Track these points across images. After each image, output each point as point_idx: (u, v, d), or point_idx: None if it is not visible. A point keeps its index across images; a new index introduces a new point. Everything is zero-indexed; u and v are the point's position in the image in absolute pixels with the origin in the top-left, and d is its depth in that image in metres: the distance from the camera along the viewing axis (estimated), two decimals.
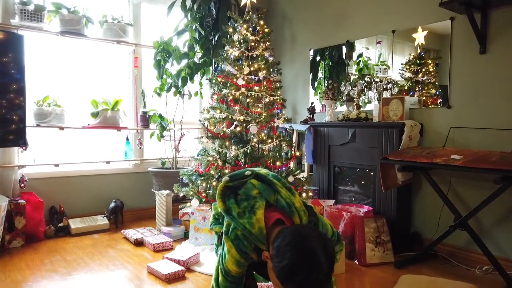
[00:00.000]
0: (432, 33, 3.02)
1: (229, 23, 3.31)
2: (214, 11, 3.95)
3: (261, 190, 1.39)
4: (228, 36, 3.23)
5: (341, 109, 3.67)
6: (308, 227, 1.32)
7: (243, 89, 3.01)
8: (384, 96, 3.19)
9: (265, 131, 3.04)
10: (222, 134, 3.01)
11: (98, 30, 3.66)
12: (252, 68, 3.05)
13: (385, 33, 3.34)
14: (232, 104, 3.04)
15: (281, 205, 1.36)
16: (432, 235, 2.88)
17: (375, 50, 3.49)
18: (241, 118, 2.94)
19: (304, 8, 4.11)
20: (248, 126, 2.94)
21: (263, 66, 3.08)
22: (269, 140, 3.02)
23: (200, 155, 3.15)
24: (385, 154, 2.92)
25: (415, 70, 3.16)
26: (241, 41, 3.11)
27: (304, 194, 3.15)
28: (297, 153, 3.25)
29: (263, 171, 1.48)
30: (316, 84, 4.05)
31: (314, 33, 4.02)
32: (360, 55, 3.63)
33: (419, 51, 3.11)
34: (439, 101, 2.98)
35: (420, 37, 3.08)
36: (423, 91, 3.10)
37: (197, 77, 3.99)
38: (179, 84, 3.82)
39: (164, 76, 3.83)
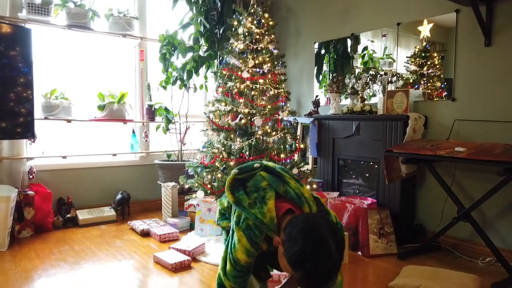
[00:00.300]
0: (438, 26, 3.02)
1: (234, 16, 3.32)
2: (219, 4, 3.97)
3: (271, 181, 1.40)
4: (233, 29, 3.24)
5: (346, 102, 3.68)
6: (319, 216, 1.34)
7: (248, 82, 3.03)
8: (389, 89, 3.19)
9: (269, 124, 3.06)
10: (227, 126, 3.04)
11: (104, 23, 3.70)
12: (257, 61, 3.06)
13: (390, 26, 3.34)
14: (237, 97, 3.06)
15: (291, 196, 1.38)
16: (435, 227, 2.89)
17: (381, 43, 3.49)
18: (246, 110, 2.96)
19: (309, 0, 4.10)
20: (252, 119, 2.96)
21: (267, 59, 3.09)
22: (274, 133, 3.04)
23: (205, 147, 3.18)
24: (389, 147, 2.94)
25: (420, 63, 3.16)
26: (246, 34, 3.12)
27: (308, 187, 3.18)
28: (302, 146, 3.27)
29: (270, 164, 1.50)
30: (320, 77, 4.06)
31: (319, 26, 4.02)
32: (365, 48, 3.62)
33: (424, 44, 3.10)
34: (444, 94, 2.98)
35: (425, 29, 3.08)
36: (428, 84, 3.10)
37: (202, 70, 4.02)
38: (184, 77, 3.84)
39: (170, 69, 3.86)
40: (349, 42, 3.75)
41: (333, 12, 3.85)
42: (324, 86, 4.00)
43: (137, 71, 4.00)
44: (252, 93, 3.06)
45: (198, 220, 3.08)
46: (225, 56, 3.20)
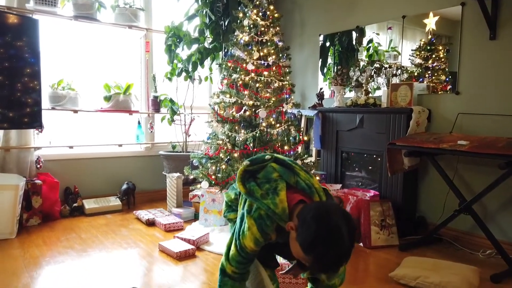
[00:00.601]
0: (444, 19, 3.01)
1: (239, 8, 3.32)
2: None
3: (281, 172, 1.42)
4: (238, 21, 3.25)
5: (350, 95, 3.69)
6: (332, 203, 1.37)
7: (253, 74, 3.05)
8: (393, 82, 3.20)
9: (273, 116, 3.09)
10: (231, 118, 3.06)
11: (110, 14, 3.72)
12: (261, 53, 3.08)
13: (395, 18, 3.34)
14: (241, 89, 3.08)
15: (302, 187, 1.40)
16: (437, 220, 2.92)
17: (386, 35, 3.49)
18: (250, 102, 2.99)
19: None
20: (257, 111, 2.99)
21: (272, 51, 3.11)
22: (278, 125, 3.07)
23: (210, 138, 3.22)
24: (392, 140, 2.95)
25: (425, 56, 3.16)
26: (251, 26, 3.13)
27: None
28: (305, 138, 3.29)
29: (280, 156, 1.52)
30: (325, 69, 4.07)
31: (324, 18, 4.01)
32: (370, 41, 3.62)
33: (430, 37, 3.10)
34: (448, 87, 2.99)
35: (431, 22, 3.07)
36: (433, 78, 3.10)
37: (207, 62, 4.04)
38: (190, 69, 3.87)
39: (175, 61, 3.88)
40: (354, 34, 3.75)
41: (339, 4, 3.84)
42: (328, 78, 4.01)
43: (143, 63, 4.03)
44: (257, 85, 3.08)
45: (202, 211, 3.13)
46: (230, 48, 3.21)
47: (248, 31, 3.13)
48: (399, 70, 3.24)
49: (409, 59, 3.27)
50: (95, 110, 3.63)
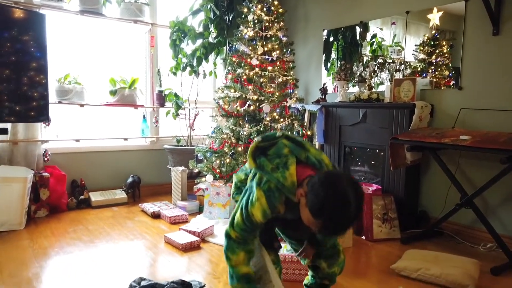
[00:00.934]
0: (448, 14, 3.02)
1: (243, 3, 3.35)
2: None
3: (292, 148, 1.44)
4: (243, 16, 3.28)
5: (353, 90, 3.71)
6: (341, 172, 1.39)
7: (257, 69, 3.08)
8: (397, 77, 3.22)
9: (277, 111, 3.12)
10: (236, 112, 3.10)
11: (115, 9, 3.75)
12: (266, 48, 3.11)
13: (399, 14, 3.35)
14: (246, 83, 3.12)
15: (312, 162, 1.42)
16: (438, 214, 2.95)
17: (390, 30, 3.50)
18: (255, 97, 3.02)
19: None
20: (261, 106, 3.02)
21: (276, 46, 3.13)
22: (281, 119, 3.10)
23: (214, 133, 3.26)
24: (395, 135, 2.98)
25: (428, 51, 3.18)
26: (256, 21, 3.16)
27: None
28: (309, 133, 3.33)
29: (291, 134, 1.56)
30: (328, 64, 4.08)
31: (328, 13, 4.03)
32: (374, 36, 3.64)
33: (433, 32, 3.11)
34: (452, 82, 3.01)
35: (435, 18, 3.08)
36: (436, 73, 3.12)
37: (211, 56, 4.06)
38: (194, 64, 3.90)
39: (180, 56, 3.91)
40: (358, 29, 3.77)
41: None
42: (332, 73, 4.03)
43: (148, 57, 4.06)
44: (261, 80, 3.11)
45: (206, 204, 3.17)
46: (235, 43, 3.24)
47: (252, 26, 3.16)
48: (403, 65, 3.26)
49: (412, 54, 3.29)
50: (101, 104, 3.68)
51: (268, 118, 3.02)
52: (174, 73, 3.96)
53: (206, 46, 3.91)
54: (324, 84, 3.95)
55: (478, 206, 2.57)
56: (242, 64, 3.13)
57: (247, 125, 3.03)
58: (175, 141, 4.10)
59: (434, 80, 3.11)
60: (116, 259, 2.35)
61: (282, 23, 3.22)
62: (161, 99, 4.01)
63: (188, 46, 3.95)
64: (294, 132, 3.16)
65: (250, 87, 3.05)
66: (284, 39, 3.20)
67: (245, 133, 3.02)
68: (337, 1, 3.91)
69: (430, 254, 2.37)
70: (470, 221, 2.85)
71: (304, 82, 4.29)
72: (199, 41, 3.94)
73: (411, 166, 3.00)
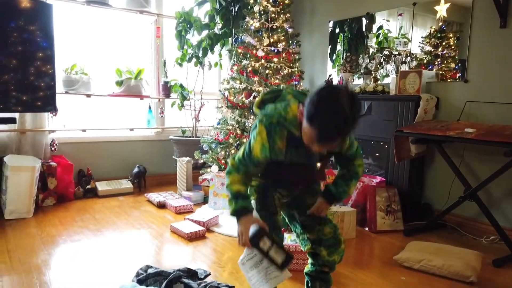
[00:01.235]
0: (455, 5, 3.00)
1: None
2: None
3: (295, 94, 1.49)
4: (249, 7, 3.27)
5: (359, 82, 3.70)
6: (341, 86, 1.39)
7: (263, 61, 3.09)
8: (402, 69, 3.22)
9: None
10: (241, 104, 3.11)
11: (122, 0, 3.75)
12: (271, 40, 3.11)
13: (406, 5, 3.33)
14: (251, 75, 3.12)
15: None
16: (442, 206, 2.97)
17: (396, 22, 3.48)
18: (260, 89, 3.03)
19: None
20: None
21: (282, 37, 3.13)
22: None
23: (220, 124, 3.28)
24: (400, 127, 2.99)
25: (435, 43, 3.16)
26: (262, 12, 3.15)
27: (318, 164, 3.26)
28: None
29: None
30: (334, 56, 4.08)
31: (334, 4, 4.00)
32: (380, 28, 3.62)
33: (440, 24, 3.09)
34: (457, 75, 3.00)
35: (442, 9, 3.06)
36: (442, 65, 3.11)
37: (217, 48, 4.06)
38: (200, 55, 3.90)
39: (185, 47, 3.92)
40: (364, 21, 3.75)
41: None
42: (337, 65, 4.02)
43: (154, 48, 4.07)
44: (267, 71, 3.11)
45: (211, 194, 3.21)
46: (241, 34, 3.24)
47: (258, 17, 3.16)
48: (408, 58, 3.25)
49: (419, 46, 3.27)
50: (107, 95, 3.71)
51: None
52: (180, 64, 3.97)
53: (211, 37, 3.91)
54: (330, 76, 3.95)
55: (482, 199, 2.59)
56: (248, 56, 3.14)
57: (252, 117, 3.05)
58: (181, 132, 4.12)
59: (440, 72, 3.11)
60: (123, 248, 2.40)
61: (288, 15, 3.21)
62: (167, 90, 4.03)
63: (194, 37, 3.95)
64: None
65: (256, 78, 3.06)
66: (290, 30, 3.19)
67: (250, 124, 3.04)
68: None
69: (432, 245, 2.39)
70: (473, 214, 2.87)
71: (309, 74, 4.28)
72: (205, 32, 3.94)
73: (415, 158, 3.01)
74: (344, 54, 3.92)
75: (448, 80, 3.05)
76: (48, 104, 3.09)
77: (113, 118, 3.89)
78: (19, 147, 3.29)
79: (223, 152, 3.15)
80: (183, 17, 3.84)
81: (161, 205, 3.29)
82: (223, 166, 3.10)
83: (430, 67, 3.17)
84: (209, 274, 2.00)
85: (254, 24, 3.15)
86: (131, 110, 3.99)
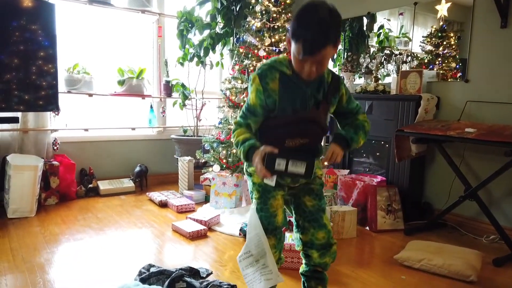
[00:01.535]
0: (456, 5, 3.01)
1: None
2: None
3: None
4: (250, 7, 3.28)
5: (360, 81, 3.71)
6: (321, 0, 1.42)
7: (264, 60, 3.09)
8: (403, 69, 3.22)
9: None
10: (242, 103, 3.12)
11: None
12: (273, 40, 3.11)
13: (407, 5, 3.33)
14: None
15: None
16: (442, 206, 2.98)
17: (397, 21, 3.49)
18: None
19: None
20: None
21: (284, 37, 3.14)
22: None
23: (221, 123, 3.29)
24: (400, 127, 3.00)
25: (436, 43, 3.17)
26: (263, 12, 3.16)
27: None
28: None
29: None
30: (335, 56, 4.08)
31: (335, 4, 3.97)
32: (381, 27, 3.63)
33: (441, 23, 3.10)
34: (458, 75, 3.00)
35: (443, 9, 3.07)
36: (443, 65, 3.12)
37: (218, 47, 4.07)
38: (201, 54, 3.92)
39: (187, 46, 3.93)
40: (365, 20, 3.75)
41: None
42: (338, 65, 4.03)
43: (155, 47, 4.09)
44: None
45: (213, 193, 3.22)
46: (242, 34, 3.25)
47: (260, 17, 3.16)
48: (409, 57, 3.26)
49: (419, 45, 3.28)
50: (109, 94, 3.72)
51: None
52: (181, 64, 3.98)
53: (213, 37, 3.92)
54: None
55: (482, 199, 2.60)
56: (249, 55, 3.15)
57: None
58: (182, 131, 4.14)
59: (441, 72, 3.11)
60: (125, 246, 2.42)
61: (289, 14, 3.22)
62: (168, 89, 4.04)
63: (196, 37, 3.96)
64: None
65: None
66: None
67: None
68: None
69: (433, 245, 2.40)
70: (473, 213, 2.88)
71: None
72: (206, 32, 3.95)
73: (416, 158, 3.02)
74: (345, 54, 3.92)
75: (449, 80, 3.06)
76: (50, 103, 3.10)
77: (115, 118, 3.91)
78: (21, 146, 3.31)
79: (224, 152, 3.16)
80: (185, 17, 3.85)
81: (163, 204, 3.31)
82: (224, 166, 3.11)
83: (431, 66, 3.18)
84: (211, 273, 2.02)
85: (256, 23, 3.16)
86: (133, 110, 4.01)
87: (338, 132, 1.56)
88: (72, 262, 2.16)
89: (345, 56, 3.88)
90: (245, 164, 1.63)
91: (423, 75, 3.02)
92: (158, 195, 3.44)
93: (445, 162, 2.83)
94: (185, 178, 3.64)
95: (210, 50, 3.94)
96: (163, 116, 4.13)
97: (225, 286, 1.81)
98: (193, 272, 1.91)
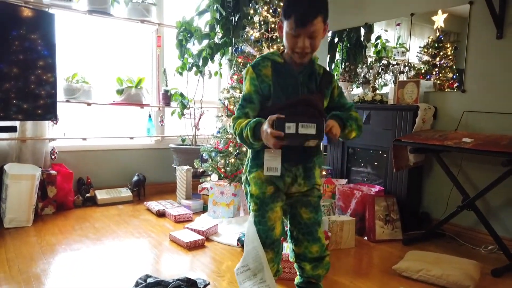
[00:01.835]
0: (453, 16, 3.04)
1: (250, 4, 3.38)
2: None
3: None
4: (249, 17, 3.31)
5: (357, 91, 3.74)
6: None
7: None
8: (400, 79, 3.25)
9: None
10: None
11: (123, 9, 3.80)
12: (271, 50, 3.14)
13: (404, 15, 3.37)
14: None
15: None
16: (440, 216, 2.98)
17: (394, 32, 3.52)
18: None
19: None
20: None
21: (282, 47, 3.16)
22: None
23: (219, 132, 3.29)
24: (398, 136, 3.01)
25: (433, 53, 3.20)
26: (262, 22, 3.19)
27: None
28: None
29: None
30: (333, 65, 4.11)
31: (333, 15, 4.01)
32: (379, 37, 3.66)
33: (438, 34, 3.13)
34: (455, 85, 3.03)
35: (439, 20, 3.11)
36: (440, 75, 3.14)
37: (217, 57, 4.10)
38: (200, 64, 3.93)
39: (186, 56, 3.95)
40: (362, 31, 3.79)
41: (348, 1, 3.88)
42: (336, 74, 4.05)
43: (154, 57, 4.11)
44: None
45: (211, 203, 3.21)
46: (241, 44, 3.28)
47: (258, 27, 3.19)
48: (406, 67, 3.29)
49: (416, 56, 3.31)
50: (107, 103, 3.73)
51: None
52: (180, 73, 4.00)
53: (212, 47, 3.94)
54: None
55: (480, 208, 2.60)
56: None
57: None
58: (180, 140, 4.14)
59: (438, 82, 3.14)
60: (123, 257, 2.40)
61: None
62: (167, 98, 4.06)
63: (194, 46, 3.99)
64: None
65: None
66: None
67: None
68: (342, 2, 3.93)
69: (431, 255, 2.40)
70: (471, 223, 2.88)
71: None
72: (205, 42, 3.98)
73: (413, 167, 3.02)
74: (343, 64, 3.95)
75: (446, 90, 3.08)
76: (49, 112, 3.10)
77: (113, 127, 3.91)
78: (19, 155, 3.30)
79: (222, 161, 3.16)
80: (184, 27, 3.88)
81: (161, 214, 3.30)
82: (222, 175, 3.11)
83: (428, 76, 3.21)
84: (209, 283, 2.01)
85: (254, 34, 3.18)
86: (131, 119, 4.02)
87: (334, 113, 1.55)
88: (69, 272, 2.15)
89: (343, 66, 3.91)
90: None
91: (420, 85, 3.04)
92: (156, 205, 3.43)
93: (442, 172, 2.84)
94: (183, 188, 3.63)
95: (209, 60, 3.96)
96: (162, 125, 4.14)
97: None
98: (191, 283, 1.90)
